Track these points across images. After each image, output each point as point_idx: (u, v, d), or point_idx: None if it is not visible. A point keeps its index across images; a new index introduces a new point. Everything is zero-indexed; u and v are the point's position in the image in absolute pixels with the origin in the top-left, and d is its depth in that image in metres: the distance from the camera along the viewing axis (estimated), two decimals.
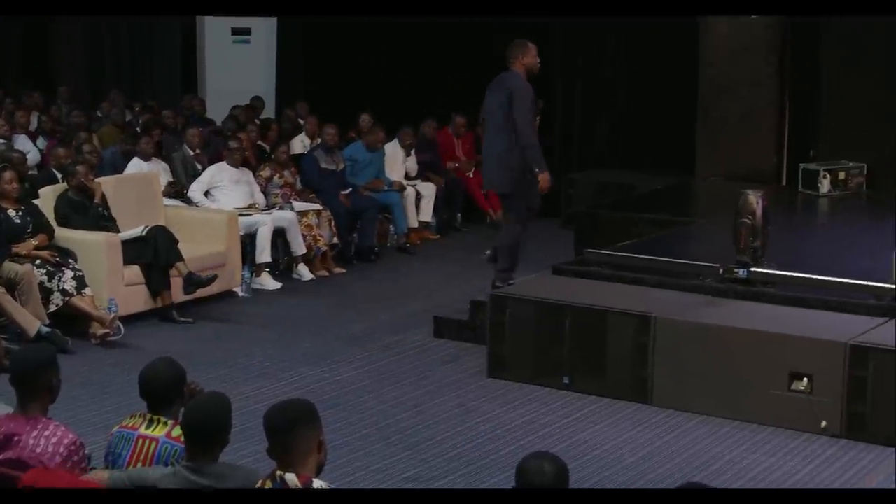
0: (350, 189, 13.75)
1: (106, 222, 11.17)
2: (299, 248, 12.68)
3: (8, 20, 18.34)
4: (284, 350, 10.32)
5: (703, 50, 14.44)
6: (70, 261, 10.65)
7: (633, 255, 10.43)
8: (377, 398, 9.16)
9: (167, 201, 12.38)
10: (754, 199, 9.57)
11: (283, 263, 12.83)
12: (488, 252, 10.96)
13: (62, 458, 5.35)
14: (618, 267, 10.21)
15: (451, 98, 16.01)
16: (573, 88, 16.24)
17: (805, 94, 14.35)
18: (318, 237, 12.91)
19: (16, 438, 5.42)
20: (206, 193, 12.59)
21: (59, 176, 11.85)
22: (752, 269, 9.53)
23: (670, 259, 10.28)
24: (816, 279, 9.53)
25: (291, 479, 4.73)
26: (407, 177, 14.78)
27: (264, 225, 12.36)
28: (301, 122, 15.80)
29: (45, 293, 10.35)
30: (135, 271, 11.02)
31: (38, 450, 5.36)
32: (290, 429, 4.81)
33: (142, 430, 5.53)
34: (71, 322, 10.47)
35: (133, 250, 11.04)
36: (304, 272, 12.72)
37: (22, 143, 14.44)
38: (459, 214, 15.48)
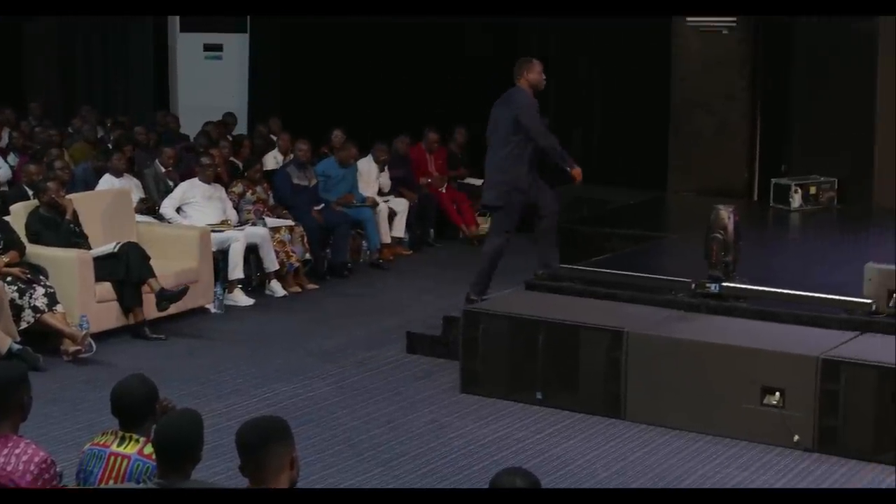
0: (322, 205, 13.73)
1: (77, 239, 11.13)
2: (272, 264, 12.66)
3: None
4: (257, 366, 10.29)
5: (675, 64, 14.50)
6: (41, 277, 10.61)
7: (605, 270, 10.46)
8: (350, 414, 9.15)
9: (139, 218, 12.34)
10: (726, 213, 9.60)
11: (255, 279, 12.81)
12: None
13: (33, 477, 5.31)
14: (590, 282, 10.23)
15: (424, 114, 16.03)
16: (546, 104, 16.22)
17: (776, 109, 14.42)
18: (291, 253, 12.89)
19: None
20: (179, 210, 12.57)
21: (31, 192, 11.80)
22: (724, 284, 9.55)
23: (643, 274, 10.31)
24: (788, 294, 9.57)
25: None
26: (380, 192, 14.77)
27: (237, 241, 12.33)
28: (273, 138, 15.78)
29: (17, 310, 10.30)
30: (106, 288, 10.98)
31: (9, 468, 5.33)
32: (263, 445, 4.80)
33: (113, 448, 5.51)
34: (42, 339, 10.41)
35: (105, 267, 11.00)
36: (276, 288, 12.70)
37: None
38: (432, 230, 15.48)
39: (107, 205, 11.97)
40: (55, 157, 13.13)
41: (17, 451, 5.38)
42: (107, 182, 12.77)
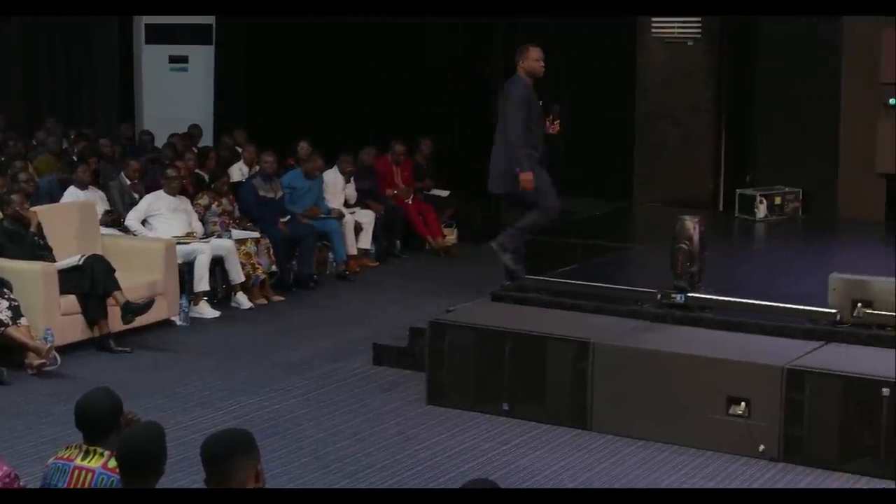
0: (289, 217, 13.72)
1: (42, 251, 11.07)
2: (238, 276, 12.64)
3: None
4: (223, 379, 10.26)
5: (640, 75, 14.55)
6: (5, 290, 10.54)
7: (571, 281, 10.47)
8: (316, 426, 9.13)
9: (104, 230, 12.30)
10: (691, 224, 9.63)
11: (221, 292, 12.78)
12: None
13: None
14: (556, 293, 10.24)
15: (390, 125, 16.03)
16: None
17: (741, 120, 14.48)
18: (257, 265, 12.87)
19: None
20: (144, 222, 12.53)
21: None
22: (690, 295, 9.58)
23: (608, 285, 10.33)
24: (753, 304, 9.60)
25: None
26: (346, 204, 14.76)
27: (202, 253, 12.30)
28: (239, 149, 15.75)
29: None
30: (71, 301, 10.94)
31: None
32: (228, 458, 4.78)
33: (78, 461, 5.48)
34: (7, 352, 10.36)
35: (70, 279, 10.96)
36: (242, 300, 12.67)
37: None
38: (398, 242, 15.48)
39: (71, 217, 11.92)
40: (19, 169, 13.08)
41: None
42: (71, 194, 12.72)
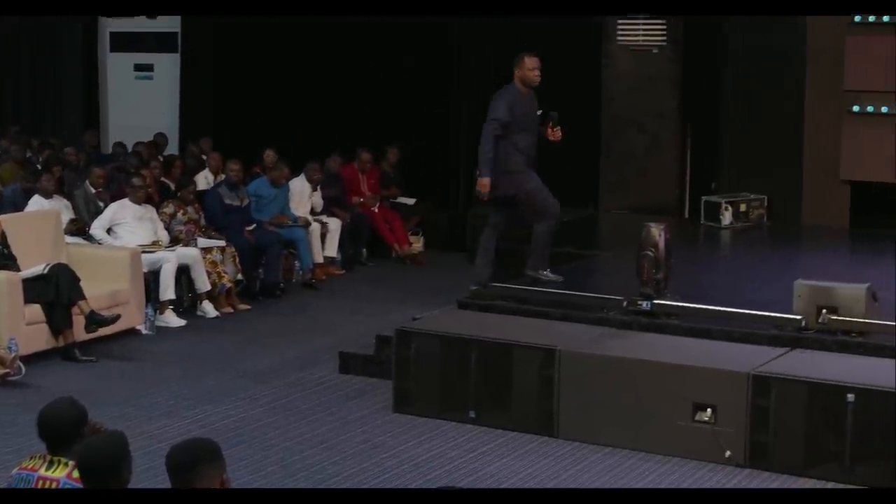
0: (255, 225, 13.69)
1: (6, 261, 11.01)
2: (204, 284, 12.60)
3: None
4: (189, 388, 10.23)
5: (606, 84, 14.58)
6: None
7: (537, 288, 10.47)
8: (282, 435, 9.10)
9: (69, 239, 12.24)
10: (657, 231, 9.65)
11: (187, 300, 12.74)
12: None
13: None
14: (522, 300, 10.24)
15: (356, 133, 16.03)
16: (479, 124, 16.23)
17: (707, 128, 14.53)
18: (223, 274, 12.84)
19: None
20: (109, 230, 12.47)
21: None
22: (656, 302, 9.61)
23: (575, 292, 10.34)
24: (719, 310, 9.63)
25: None
26: (312, 212, 14.74)
27: (168, 262, 12.26)
28: (205, 158, 15.71)
29: None
30: (36, 310, 10.88)
31: None
32: (193, 467, 4.76)
33: (42, 472, 5.44)
34: None
35: (34, 289, 10.90)
36: (208, 309, 12.64)
37: None
38: (365, 250, 15.46)
39: (36, 226, 11.87)
40: None
41: None
42: (36, 203, 12.66)
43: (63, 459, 5.44)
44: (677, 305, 9.67)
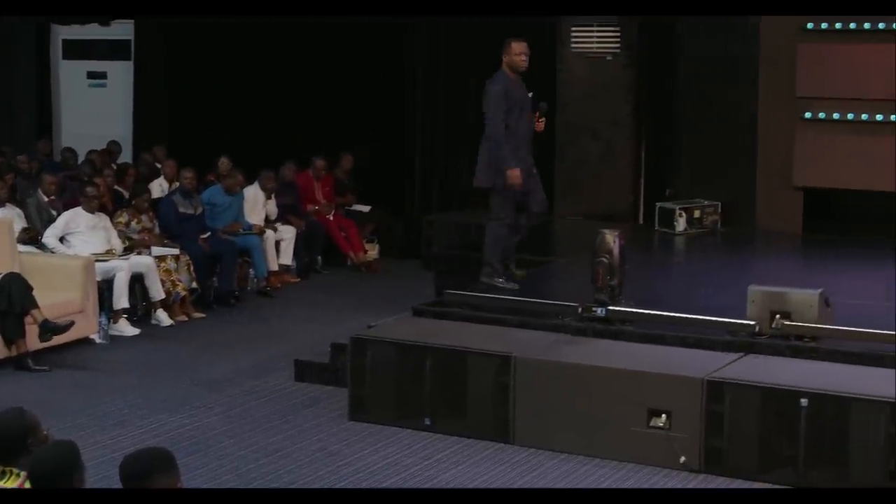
0: (209, 233, 13.64)
1: None
2: (158, 293, 12.55)
3: None
4: (143, 397, 10.17)
5: (560, 90, 14.60)
6: None
7: (492, 295, 10.47)
8: (238, 443, 9.07)
9: (21, 248, 12.15)
10: (611, 237, 9.67)
11: (141, 309, 12.68)
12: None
13: None
14: (478, 307, 10.25)
15: (311, 141, 16.01)
16: (434, 131, 16.30)
17: (661, 134, 14.58)
18: (177, 282, 12.79)
19: None
20: (62, 239, 12.40)
21: None
22: (610, 308, 9.62)
23: (530, 299, 10.35)
24: (673, 316, 9.66)
25: None
26: (267, 220, 14.70)
27: (121, 270, 12.20)
28: (159, 166, 15.65)
29: None
30: None
31: None
32: (147, 477, 4.74)
33: None
34: None
35: None
36: (162, 318, 12.58)
37: None
38: (320, 257, 15.44)
39: None
40: None
41: None
42: None
43: (15, 470, 5.39)
44: (632, 312, 9.69)
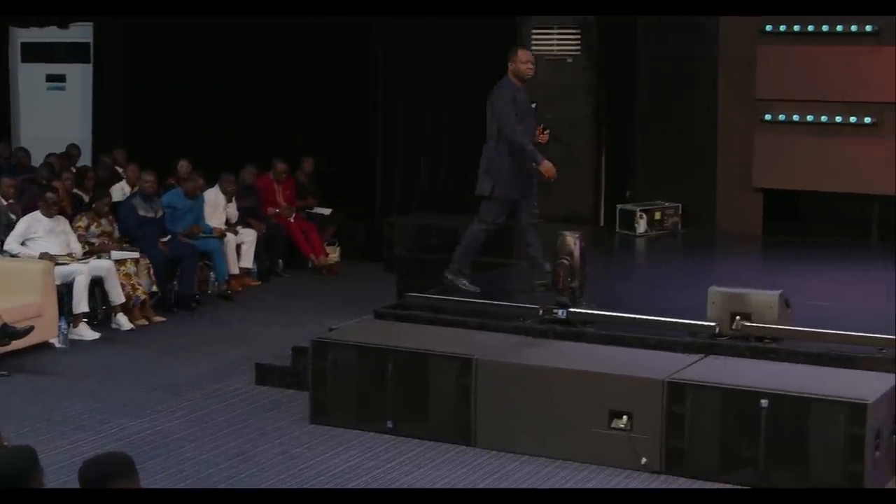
0: (169, 236, 13.59)
1: None
2: (118, 297, 12.49)
3: None
4: (103, 401, 10.12)
5: None
6: None
7: (453, 298, 10.47)
8: (198, 447, 9.03)
9: None
10: (572, 240, 9.69)
11: (101, 313, 12.62)
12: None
13: None
14: (439, 310, 10.24)
15: (272, 144, 15.97)
16: (395, 134, 16.30)
17: (621, 136, 14.61)
18: (137, 286, 12.74)
19: None
20: (22, 244, 12.33)
21: None
22: (571, 310, 9.64)
23: (491, 301, 10.35)
24: (634, 318, 9.69)
25: None
26: (227, 223, 14.66)
27: (81, 274, 12.15)
28: (119, 169, 15.58)
29: None
30: None
31: None
32: (106, 482, 4.71)
33: None
34: None
35: None
36: (123, 322, 12.53)
37: None
38: (281, 260, 15.41)
39: None
40: None
41: None
42: None
43: None
44: (593, 313, 9.71)
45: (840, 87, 13.35)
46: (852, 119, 13.34)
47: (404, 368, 9.23)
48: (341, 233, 16.13)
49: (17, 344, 11.02)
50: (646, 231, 13.79)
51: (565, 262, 9.64)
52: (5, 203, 13.02)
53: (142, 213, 13.40)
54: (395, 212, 15.94)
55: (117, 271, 12.55)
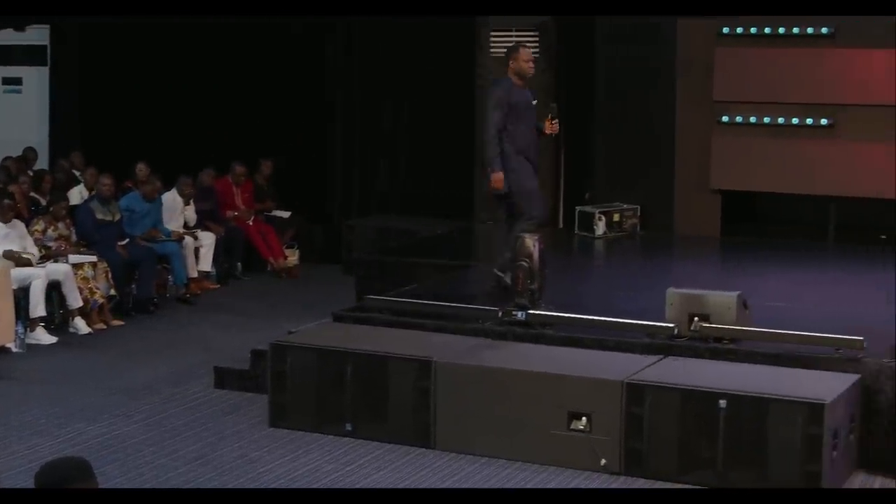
0: (127, 240, 13.53)
1: None
2: (75, 301, 12.43)
3: None
4: (60, 406, 10.06)
5: (479, 94, 14.61)
6: None
7: (412, 300, 10.47)
8: (157, 451, 8.99)
9: None
10: (531, 242, 9.70)
11: (58, 317, 12.55)
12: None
13: None
14: (398, 312, 10.23)
15: (230, 146, 15.92)
16: (353, 136, 16.29)
17: (580, 138, 14.63)
18: (95, 289, 12.67)
19: None
20: None
21: None
22: (530, 312, 9.65)
23: (450, 303, 10.35)
24: (593, 319, 9.71)
25: None
26: (186, 226, 14.61)
27: (38, 278, 12.08)
28: (76, 173, 15.50)
29: None
30: None
31: None
32: (63, 486, 4.67)
33: None
34: None
35: None
36: (80, 326, 12.46)
37: None
38: (239, 263, 15.38)
39: None
40: None
41: None
42: None
43: None
44: (552, 315, 9.73)
45: (797, 88, 13.43)
46: (809, 121, 13.41)
47: (363, 371, 9.22)
48: (300, 235, 16.10)
49: None
50: (604, 233, 13.83)
51: (524, 264, 9.66)
52: None
53: (99, 216, 13.34)
54: (354, 214, 15.92)
55: (75, 275, 12.48)
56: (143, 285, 13.44)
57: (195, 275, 14.38)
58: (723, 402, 8.20)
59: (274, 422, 9.51)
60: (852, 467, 8.52)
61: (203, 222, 14.92)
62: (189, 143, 16.26)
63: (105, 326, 12.72)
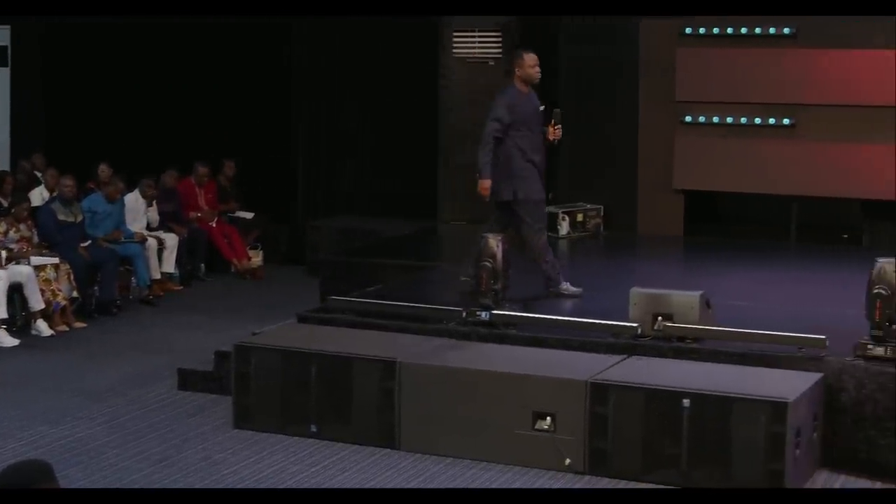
0: (89, 241, 13.48)
1: None
2: (37, 303, 12.37)
3: None
4: (22, 408, 10.01)
5: (442, 96, 14.64)
6: None
7: (377, 301, 10.47)
8: (120, 454, 8.95)
9: None
10: (495, 242, 9.72)
11: (20, 319, 12.48)
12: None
13: None
14: (362, 313, 10.23)
15: (193, 147, 15.88)
16: (317, 137, 16.27)
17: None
18: (57, 291, 12.61)
19: None
20: None
21: None
22: (494, 312, 9.66)
23: (414, 304, 10.34)
24: (557, 319, 9.74)
25: None
26: (148, 227, 14.56)
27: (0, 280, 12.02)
28: (37, 174, 15.43)
29: None
30: None
31: None
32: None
33: None
34: None
35: None
36: (42, 328, 12.40)
37: None
38: (203, 265, 15.35)
39: None
40: None
41: None
42: None
43: None
44: (515, 315, 9.74)
45: (759, 88, 13.49)
46: (771, 120, 13.48)
47: (327, 372, 9.21)
48: (264, 236, 16.08)
49: None
50: (568, 233, 13.86)
51: (488, 264, 9.67)
52: None
53: (61, 217, 13.28)
54: (319, 215, 15.91)
55: (37, 277, 12.42)
56: (105, 287, 13.39)
57: (158, 276, 14.34)
58: (686, 402, 8.22)
59: (238, 423, 9.49)
60: (815, 466, 8.56)
61: (166, 223, 14.88)
62: (151, 143, 16.23)
63: (67, 328, 12.66)
